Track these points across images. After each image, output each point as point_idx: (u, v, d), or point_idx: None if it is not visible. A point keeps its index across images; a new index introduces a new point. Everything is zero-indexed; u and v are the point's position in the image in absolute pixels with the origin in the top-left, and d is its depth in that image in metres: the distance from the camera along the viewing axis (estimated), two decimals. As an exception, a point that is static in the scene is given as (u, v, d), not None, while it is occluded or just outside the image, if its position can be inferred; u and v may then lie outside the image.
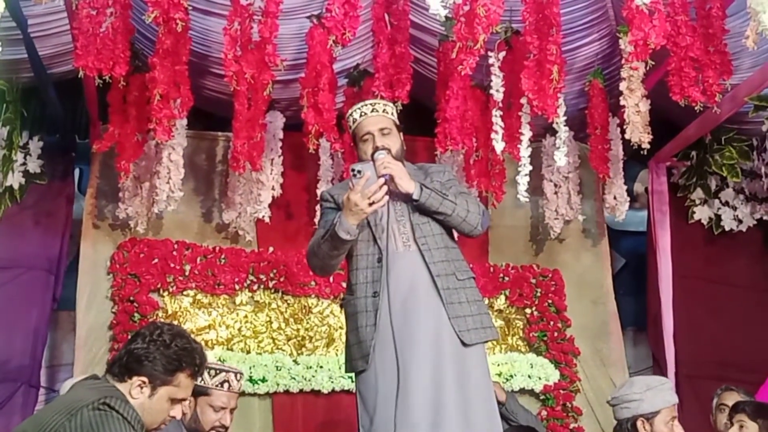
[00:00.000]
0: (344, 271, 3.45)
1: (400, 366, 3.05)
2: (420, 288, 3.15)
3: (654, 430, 3.67)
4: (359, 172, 3.05)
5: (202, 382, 3.67)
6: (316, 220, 5.40)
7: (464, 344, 3.13)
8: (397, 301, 3.14)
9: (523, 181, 5.00)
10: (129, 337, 2.72)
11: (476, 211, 3.27)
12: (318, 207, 5.06)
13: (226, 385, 3.71)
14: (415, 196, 3.19)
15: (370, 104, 3.41)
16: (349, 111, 3.44)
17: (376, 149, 3.25)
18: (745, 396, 4.28)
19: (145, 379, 2.55)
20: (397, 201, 3.26)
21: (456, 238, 3.38)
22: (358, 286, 3.23)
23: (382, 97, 4.40)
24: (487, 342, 3.27)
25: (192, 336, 2.75)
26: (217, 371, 3.74)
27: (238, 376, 3.80)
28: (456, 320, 3.14)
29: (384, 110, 3.38)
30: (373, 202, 3.06)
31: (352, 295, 3.26)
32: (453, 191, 3.30)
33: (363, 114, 3.34)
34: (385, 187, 3.07)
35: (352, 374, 3.31)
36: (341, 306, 3.39)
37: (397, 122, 3.40)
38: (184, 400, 2.71)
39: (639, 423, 3.68)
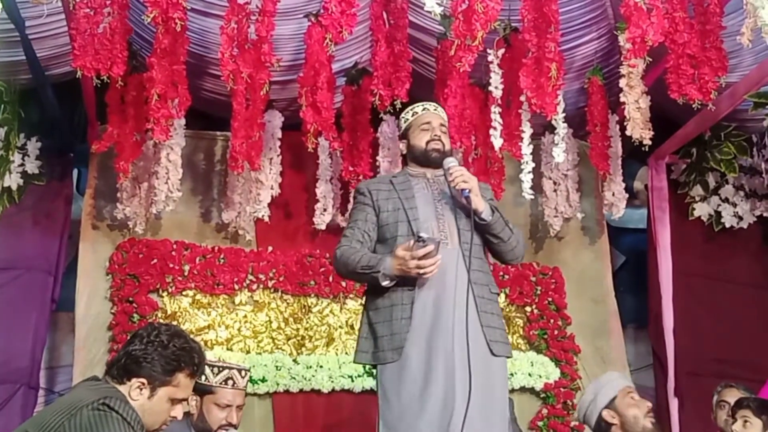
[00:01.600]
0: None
1: (431, 363, 3.06)
2: (454, 288, 3.15)
3: (620, 413, 3.75)
4: (424, 242, 3.03)
5: (206, 380, 3.66)
6: (315, 220, 5.43)
7: (492, 354, 3.17)
8: (430, 296, 3.15)
9: (526, 178, 5.00)
10: (128, 337, 2.71)
11: (522, 243, 3.39)
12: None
13: (230, 382, 3.68)
14: (485, 216, 3.22)
15: (434, 105, 3.59)
16: (409, 107, 3.56)
17: (432, 138, 3.38)
18: (746, 392, 4.28)
19: (144, 380, 2.55)
20: (439, 199, 3.30)
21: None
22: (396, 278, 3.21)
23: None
24: (508, 358, 3.30)
25: (190, 335, 2.74)
26: (221, 369, 3.71)
27: (243, 372, 3.76)
28: (488, 329, 3.17)
29: (443, 115, 3.54)
30: (422, 272, 3.07)
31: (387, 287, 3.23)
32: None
33: (425, 109, 3.50)
34: (439, 263, 3.07)
35: (360, 365, 3.33)
36: (365, 294, 3.37)
37: None
38: (184, 400, 2.70)
39: (605, 414, 3.76)
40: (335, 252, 3.33)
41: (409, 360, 3.10)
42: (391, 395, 3.13)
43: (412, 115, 3.49)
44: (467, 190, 3.18)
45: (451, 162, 3.29)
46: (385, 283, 3.14)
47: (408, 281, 3.15)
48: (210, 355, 5.15)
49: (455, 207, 3.27)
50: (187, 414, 3.73)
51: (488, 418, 3.07)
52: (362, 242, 3.30)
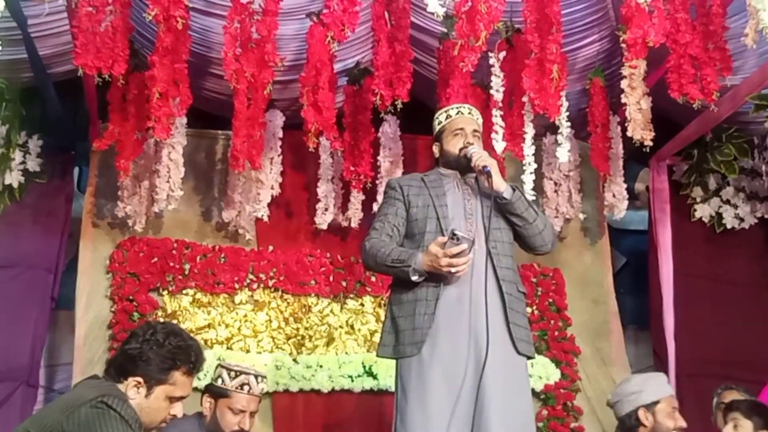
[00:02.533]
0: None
1: (458, 362, 3.08)
2: (481, 287, 3.16)
3: (657, 420, 3.70)
4: (458, 240, 3.04)
5: (222, 383, 3.68)
6: (316, 219, 5.44)
7: (517, 352, 3.18)
8: (455, 294, 3.16)
9: (528, 179, 5.00)
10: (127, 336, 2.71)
11: (551, 228, 3.39)
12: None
13: (246, 387, 3.68)
14: (506, 195, 3.24)
15: (467, 107, 3.54)
16: (443, 109, 3.55)
17: (466, 146, 3.35)
18: (745, 394, 4.28)
19: (140, 379, 2.55)
20: (469, 199, 3.31)
21: None
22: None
23: None
24: (531, 359, 3.31)
25: (188, 333, 2.74)
26: (237, 373, 3.71)
27: (259, 378, 3.76)
28: (514, 326, 3.19)
29: (478, 119, 3.51)
30: (453, 271, 3.09)
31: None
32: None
33: (459, 112, 3.47)
34: (470, 262, 3.09)
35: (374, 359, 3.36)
36: (390, 288, 3.38)
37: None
38: (183, 397, 2.70)
39: (641, 413, 3.71)
40: (363, 243, 3.35)
41: (430, 356, 3.11)
42: (409, 390, 3.14)
43: (446, 118, 3.47)
44: (488, 167, 3.19)
45: (473, 148, 3.31)
46: (415, 278, 3.15)
47: (434, 277, 3.15)
48: (210, 355, 5.15)
49: (484, 207, 3.28)
50: (200, 414, 3.74)
51: (515, 417, 3.08)
52: (391, 236, 3.32)
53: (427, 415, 3.06)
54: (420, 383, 3.11)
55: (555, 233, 3.42)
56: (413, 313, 3.19)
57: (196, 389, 4.96)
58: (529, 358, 3.28)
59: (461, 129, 3.40)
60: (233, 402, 3.66)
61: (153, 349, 2.57)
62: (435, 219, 3.27)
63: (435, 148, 3.52)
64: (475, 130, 3.43)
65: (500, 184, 3.24)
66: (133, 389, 2.55)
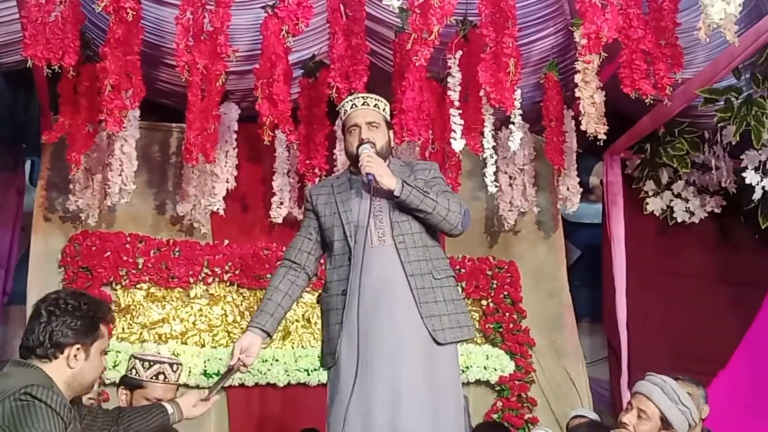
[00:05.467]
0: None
1: (360, 362, 3.06)
2: (393, 284, 3.16)
3: None
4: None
5: (137, 374, 3.64)
6: (272, 213, 5.42)
7: (438, 343, 3.16)
8: (367, 297, 3.14)
9: (489, 171, 5.04)
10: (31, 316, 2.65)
11: (457, 211, 3.28)
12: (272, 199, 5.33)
13: (161, 377, 3.64)
14: (396, 193, 3.20)
15: (362, 97, 3.41)
16: (342, 102, 3.46)
17: (361, 142, 3.26)
18: (691, 384, 4.33)
19: (77, 346, 2.55)
20: (376, 197, 3.26)
21: (438, 237, 3.38)
22: (332, 284, 3.27)
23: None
24: (462, 341, 3.29)
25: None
26: (152, 363, 3.68)
27: (175, 366, 3.72)
28: (429, 319, 3.16)
29: (375, 105, 3.37)
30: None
31: (326, 292, 3.30)
32: (436, 189, 3.31)
33: (354, 106, 3.36)
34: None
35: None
36: (318, 302, 3.41)
37: (388, 119, 3.41)
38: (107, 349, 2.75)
39: None
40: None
41: (344, 364, 3.13)
42: (330, 397, 3.20)
43: (344, 114, 3.40)
44: (370, 174, 3.17)
45: (363, 149, 3.24)
46: None
47: (341, 286, 3.20)
48: (164, 350, 5.12)
49: (390, 202, 3.26)
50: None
51: (437, 409, 3.07)
52: (301, 249, 3.37)
53: (340, 422, 3.08)
54: (336, 391, 3.15)
55: (463, 212, 3.27)
56: (328, 324, 3.25)
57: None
58: (461, 341, 3.27)
59: (355, 125, 3.32)
60: (149, 392, 3.61)
61: (75, 315, 2.57)
62: (341, 226, 3.27)
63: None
64: (369, 122, 3.32)
65: (389, 184, 3.19)
66: (73, 359, 2.55)
